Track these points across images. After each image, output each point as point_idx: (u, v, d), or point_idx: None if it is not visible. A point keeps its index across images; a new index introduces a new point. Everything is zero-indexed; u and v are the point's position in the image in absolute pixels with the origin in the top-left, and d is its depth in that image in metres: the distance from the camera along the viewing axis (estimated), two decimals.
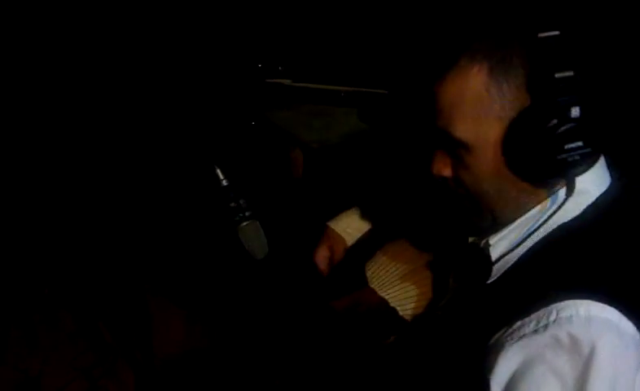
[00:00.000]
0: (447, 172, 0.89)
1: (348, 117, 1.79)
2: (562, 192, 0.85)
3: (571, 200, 0.83)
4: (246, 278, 1.40)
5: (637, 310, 0.75)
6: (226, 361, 1.31)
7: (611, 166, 0.90)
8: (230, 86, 1.60)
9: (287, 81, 1.82)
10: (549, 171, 0.81)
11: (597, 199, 0.86)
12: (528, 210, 0.86)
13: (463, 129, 0.83)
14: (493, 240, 0.88)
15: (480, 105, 0.81)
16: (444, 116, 0.84)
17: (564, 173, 0.81)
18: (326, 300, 1.17)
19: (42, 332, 1.86)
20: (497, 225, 0.88)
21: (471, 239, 0.92)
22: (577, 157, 0.79)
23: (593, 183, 0.86)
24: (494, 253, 0.88)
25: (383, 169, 1.45)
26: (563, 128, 0.77)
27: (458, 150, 0.85)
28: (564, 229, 0.84)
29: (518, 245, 0.86)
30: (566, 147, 0.78)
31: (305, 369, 1.17)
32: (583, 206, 0.85)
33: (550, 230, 0.84)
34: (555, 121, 0.77)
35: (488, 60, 0.80)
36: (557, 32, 0.77)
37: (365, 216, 1.30)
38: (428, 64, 0.89)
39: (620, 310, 0.74)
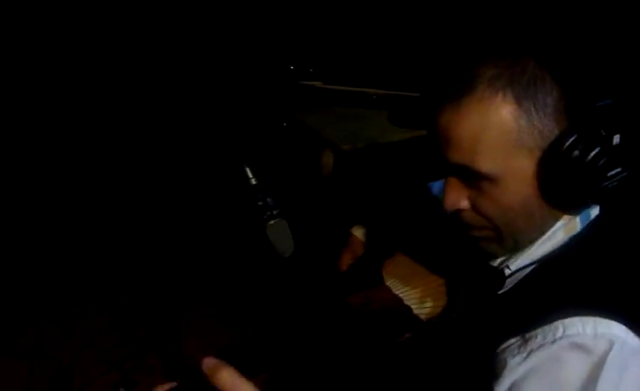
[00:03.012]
0: (464, 204, 0.81)
1: (379, 120, 1.79)
2: (594, 211, 0.82)
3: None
4: (272, 276, 1.42)
5: None
6: (253, 356, 1.32)
7: None
8: (262, 87, 1.62)
9: (319, 84, 1.83)
10: (589, 200, 0.77)
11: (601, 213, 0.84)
12: (549, 229, 0.82)
13: (489, 163, 0.75)
14: (512, 265, 0.84)
15: (509, 137, 0.74)
16: (463, 150, 0.76)
17: (606, 200, 0.77)
18: (341, 296, 1.17)
19: (78, 325, 1.92)
20: (516, 248, 0.84)
21: (490, 263, 0.90)
22: (616, 183, 0.75)
23: None
24: (509, 270, 0.86)
25: (406, 177, 1.45)
26: (605, 157, 0.73)
27: (480, 181, 0.78)
28: (573, 241, 0.82)
29: (533, 263, 0.83)
30: (608, 174, 0.74)
31: (318, 363, 1.17)
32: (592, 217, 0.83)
33: (563, 242, 0.82)
34: (598, 150, 0.73)
35: (512, 87, 0.73)
36: (590, 58, 0.74)
37: (387, 225, 1.29)
38: (437, 91, 0.79)
39: (628, 326, 0.72)
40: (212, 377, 0.58)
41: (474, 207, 0.81)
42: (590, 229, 0.82)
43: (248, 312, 1.68)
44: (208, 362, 0.59)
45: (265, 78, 1.64)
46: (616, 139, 0.74)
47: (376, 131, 1.77)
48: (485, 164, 0.75)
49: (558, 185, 0.76)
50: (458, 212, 0.82)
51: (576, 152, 0.74)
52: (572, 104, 0.74)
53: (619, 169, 0.75)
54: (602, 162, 0.74)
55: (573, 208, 0.80)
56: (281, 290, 1.52)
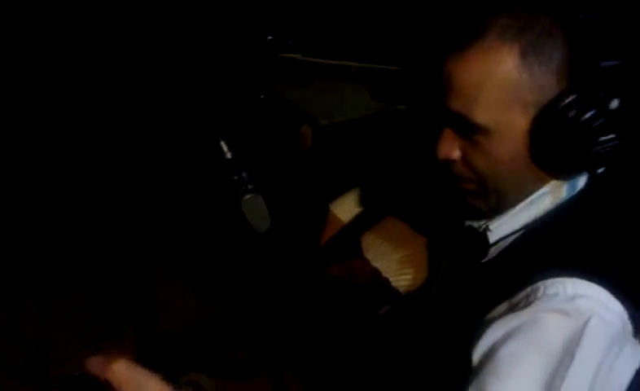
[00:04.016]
0: (455, 154, 0.83)
1: (359, 94, 1.77)
2: (581, 182, 0.82)
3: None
4: (248, 250, 1.41)
5: (627, 292, 0.74)
6: (229, 332, 1.32)
7: None
8: (238, 59, 1.59)
9: (299, 56, 1.81)
10: (579, 164, 0.78)
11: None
12: (532, 193, 0.83)
13: (485, 115, 0.76)
14: (493, 225, 0.85)
15: (509, 90, 0.75)
16: (462, 97, 0.77)
17: (595, 166, 0.78)
18: (320, 268, 1.17)
19: (54, 304, 1.90)
20: (500, 208, 0.85)
21: (468, 223, 0.90)
22: (608, 150, 0.75)
23: None
24: (492, 237, 0.85)
25: (386, 149, 1.44)
26: (600, 120, 0.73)
27: (474, 134, 0.79)
28: (558, 209, 0.82)
29: (516, 231, 0.83)
30: (600, 139, 0.74)
31: (298, 337, 1.17)
32: (581, 186, 0.84)
33: (548, 209, 0.83)
34: (594, 112, 0.73)
35: (519, 40, 0.74)
36: (600, 15, 0.73)
37: (366, 199, 1.28)
38: (445, 37, 0.80)
39: (608, 290, 0.73)
40: (104, 374, 0.57)
41: (464, 159, 0.82)
42: (576, 197, 0.82)
43: (226, 288, 1.67)
44: (93, 362, 0.58)
45: (241, 49, 1.61)
46: (615, 103, 0.73)
47: (356, 106, 1.75)
48: (480, 114, 0.76)
49: (548, 145, 0.76)
50: (449, 163, 0.83)
51: (571, 112, 0.74)
52: (575, 63, 0.74)
53: (612, 136, 0.75)
54: (595, 125, 0.74)
55: (560, 172, 0.80)
56: (258, 265, 1.51)
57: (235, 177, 1.10)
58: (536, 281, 0.74)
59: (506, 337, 0.72)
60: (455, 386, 0.74)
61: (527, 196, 0.83)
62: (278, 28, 1.70)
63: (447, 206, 0.95)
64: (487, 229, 0.86)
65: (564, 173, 0.81)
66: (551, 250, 0.79)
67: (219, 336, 1.29)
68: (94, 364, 0.58)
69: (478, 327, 0.77)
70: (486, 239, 0.85)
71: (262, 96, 1.53)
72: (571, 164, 0.78)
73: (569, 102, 0.74)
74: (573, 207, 0.82)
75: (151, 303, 1.80)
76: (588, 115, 0.73)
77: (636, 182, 0.86)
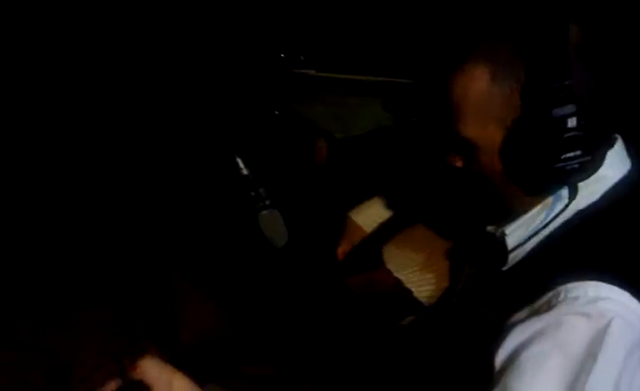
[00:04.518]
0: (459, 163, 0.88)
1: (373, 107, 1.78)
2: (564, 192, 0.83)
3: (588, 187, 0.82)
4: (267, 265, 1.42)
5: None
6: (249, 346, 1.33)
7: (631, 148, 0.89)
8: (252, 76, 1.61)
9: (312, 72, 1.83)
10: (545, 180, 0.80)
11: (615, 184, 0.84)
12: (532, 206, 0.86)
13: (467, 129, 0.83)
14: (508, 230, 0.87)
15: (483, 107, 0.81)
16: (451, 115, 0.84)
17: (562, 181, 0.80)
18: (341, 279, 1.18)
19: (75, 319, 1.92)
20: (512, 213, 0.87)
21: (488, 229, 0.92)
22: (576, 166, 0.77)
23: (611, 168, 0.85)
24: (510, 242, 0.87)
25: (403, 158, 1.45)
26: (558, 138, 0.76)
27: (466, 148, 0.85)
28: (580, 215, 0.83)
29: (531, 236, 0.84)
30: (563, 157, 0.77)
31: (320, 348, 1.18)
32: (601, 192, 0.84)
33: (567, 217, 0.83)
34: (550, 131, 0.76)
35: (491, 63, 0.80)
36: (553, 38, 0.77)
37: (385, 206, 1.30)
38: (435, 65, 0.89)
39: (630, 292, 0.73)
40: (134, 376, 0.59)
41: (467, 169, 0.88)
42: (598, 199, 0.84)
43: (246, 301, 1.68)
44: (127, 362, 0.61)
45: (255, 66, 1.63)
46: (572, 122, 0.76)
47: (370, 119, 1.76)
48: (463, 129, 0.83)
49: (513, 161, 0.82)
50: (456, 171, 0.89)
51: (529, 132, 0.79)
52: (529, 84, 0.78)
53: (577, 152, 0.77)
54: (550, 146, 0.77)
55: (525, 189, 0.84)
56: (278, 278, 1.52)
57: (252, 194, 1.11)
58: (557, 285, 0.75)
59: (529, 341, 0.73)
60: None
61: (538, 199, 0.85)
62: (291, 45, 1.72)
63: (465, 211, 0.98)
64: (503, 233, 0.87)
65: (529, 189, 0.84)
66: (571, 254, 0.80)
67: (240, 349, 1.31)
68: (127, 366, 0.61)
69: (499, 333, 0.77)
70: (504, 245, 0.87)
71: (277, 112, 1.55)
72: (534, 181, 0.82)
73: (526, 121, 0.79)
74: (593, 211, 0.83)
75: (172, 317, 1.81)
76: (545, 134, 0.77)
77: None
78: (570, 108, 0.76)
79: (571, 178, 0.79)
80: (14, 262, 2.02)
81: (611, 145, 0.86)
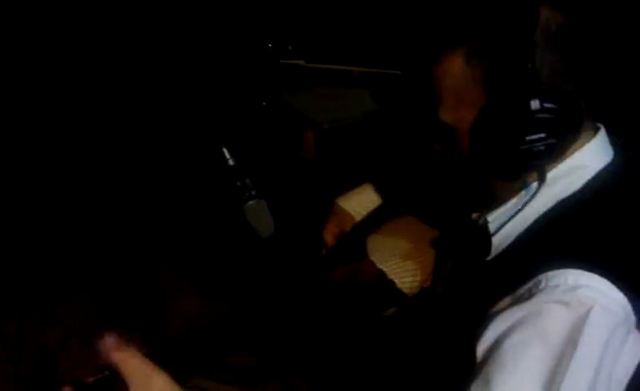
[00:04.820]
0: (441, 149, 0.90)
1: (361, 98, 1.78)
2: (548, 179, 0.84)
3: (570, 176, 0.83)
4: (253, 256, 1.42)
5: (629, 282, 0.74)
6: (234, 337, 1.33)
7: (615, 138, 0.89)
8: (240, 66, 1.61)
9: (301, 62, 1.82)
10: (512, 163, 0.81)
11: (597, 174, 0.85)
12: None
13: (446, 113, 0.86)
14: (491, 217, 0.88)
15: (459, 91, 0.84)
16: (431, 101, 0.87)
17: (528, 164, 0.81)
18: (325, 271, 1.18)
19: (60, 310, 1.91)
20: (495, 200, 0.88)
21: (473, 216, 0.92)
22: (542, 148, 0.78)
23: (592, 158, 0.85)
24: (492, 227, 0.88)
25: (390, 148, 1.45)
26: (522, 120, 0.77)
27: (447, 132, 0.86)
28: (561, 204, 0.84)
29: (508, 221, 0.86)
30: (528, 138, 0.78)
31: (304, 341, 1.18)
32: (583, 181, 0.84)
33: (549, 206, 0.84)
34: (514, 114, 0.78)
35: (465, 48, 0.83)
36: (518, 22, 0.78)
37: (373, 193, 1.30)
38: (417, 55, 0.94)
39: (610, 280, 0.74)
40: (115, 361, 0.59)
41: (447, 153, 0.90)
42: (576, 190, 0.84)
43: (231, 292, 1.68)
44: (107, 343, 0.61)
45: (243, 56, 1.62)
46: (535, 104, 0.76)
47: (358, 110, 1.76)
48: (441, 112, 0.86)
49: (480, 144, 0.83)
50: (439, 155, 0.91)
51: (492, 117, 0.80)
52: (493, 68, 0.80)
53: (541, 135, 0.78)
54: (514, 128, 0.78)
55: (491, 172, 0.85)
56: (264, 269, 1.52)
57: (238, 184, 1.11)
58: (538, 274, 0.76)
59: (510, 330, 0.74)
60: (461, 384, 0.75)
61: (519, 186, 0.86)
62: (279, 35, 1.71)
63: (451, 200, 0.99)
64: (486, 220, 0.88)
65: (498, 173, 0.85)
66: (552, 243, 0.80)
67: (226, 340, 1.31)
68: (107, 347, 0.60)
69: (481, 322, 0.78)
70: (487, 231, 0.88)
71: (264, 103, 1.54)
72: (502, 164, 0.82)
73: (492, 105, 0.80)
74: (574, 200, 0.84)
75: (158, 308, 1.81)
76: (508, 117, 0.78)
77: (636, 176, 0.87)
78: (532, 91, 0.77)
79: (536, 161, 0.80)
80: None
81: (593, 134, 0.86)
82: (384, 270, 1.11)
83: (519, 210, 0.85)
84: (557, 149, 0.80)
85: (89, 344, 1.77)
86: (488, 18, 0.83)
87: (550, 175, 0.84)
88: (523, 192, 0.86)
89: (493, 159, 0.83)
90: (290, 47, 1.73)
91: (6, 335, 1.84)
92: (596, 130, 0.88)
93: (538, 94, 0.77)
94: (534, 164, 0.81)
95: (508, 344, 0.72)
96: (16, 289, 1.95)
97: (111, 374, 0.62)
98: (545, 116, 0.77)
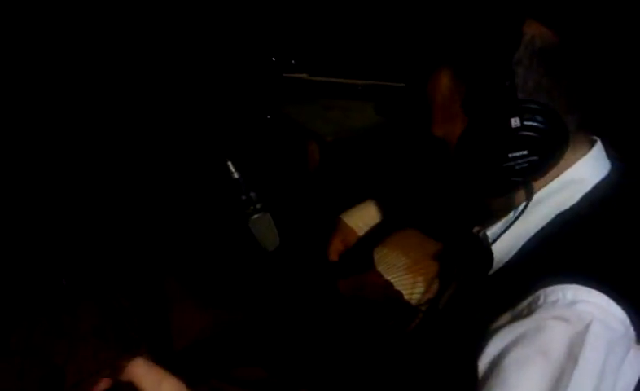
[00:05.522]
0: (439, 163, 0.91)
1: (364, 110, 1.79)
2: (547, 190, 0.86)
3: (566, 190, 0.84)
4: (258, 269, 1.42)
5: (628, 297, 0.75)
6: (241, 349, 1.33)
7: (613, 152, 0.89)
8: (244, 80, 1.62)
9: (304, 75, 1.83)
10: (496, 179, 0.82)
11: (594, 187, 0.85)
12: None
13: (436, 127, 0.88)
14: (490, 231, 0.89)
15: (446, 106, 0.86)
16: (426, 114, 0.89)
17: (511, 181, 0.82)
18: (332, 282, 1.19)
19: (67, 323, 1.91)
20: (494, 215, 0.89)
21: (474, 230, 0.93)
22: (525, 165, 0.79)
23: (588, 171, 0.86)
24: (491, 241, 0.88)
25: (395, 162, 1.46)
26: (502, 138, 0.78)
27: (439, 145, 0.88)
28: (558, 219, 0.84)
29: (503, 233, 0.86)
30: (510, 155, 0.78)
31: (311, 351, 1.18)
32: (580, 195, 0.85)
33: (548, 220, 0.84)
34: (494, 131, 0.78)
35: (453, 63, 0.85)
36: (500, 39, 0.79)
37: (377, 210, 1.31)
38: (415, 68, 0.98)
39: (609, 295, 0.74)
40: (124, 377, 0.61)
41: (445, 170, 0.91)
42: (577, 202, 0.85)
43: (238, 304, 1.68)
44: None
45: (246, 70, 1.63)
46: (515, 122, 0.77)
47: (361, 122, 1.77)
48: (434, 127, 0.88)
49: (465, 160, 0.83)
50: (438, 170, 0.96)
51: (472, 137, 0.81)
52: (472, 88, 0.82)
53: (523, 152, 0.78)
54: (495, 145, 0.79)
55: (476, 189, 0.87)
56: (270, 282, 1.52)
57: (243, 197, 1.12)
58: (537, 289, 0.76)
59: (511, 346, 0.74)
60: None
61: (513, 202, 0.87)
62: (282, 49, 1.73)
63: (453, 214, 1.00)
64: (485, 234, 0.89)
65: (482, 189, 0.86)
66: (550, 258, 0.80)
67: (233, 351, 1.31)
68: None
69: (483, 337, 0.78)
70: (487, 245, 0.88)
71: (268, 116, 1.55)
72: (484, 180, 0.83)
73: (476, 121, 0.81)
74: (571, 214, 0.84)
75: (165, 321, 1.82)
76: (490, 134, 0.79)
77: (633, 189, 0.87)
78: (511, 108, 0.77)
79: (520, 178, 0.81)
80: (6, 267, 2.02)
81: (589, 148, 0.87)
82: (391, 281, 1.11)
83: (510, 225, 0.85)
84: (543, 165, 0.81)
85: (95, 358, 1.78)
86: (471, 36, 0.84)
87: (545, 190, 0.84)
88: (521, 207, 0.85)
89: (478, 175, 0.83)
90: (293, 61, 1.75)
91: (12, 348, 1.84)
92: (592, 143, 0.88)
93: (518, 111, 0.77)
94: (518, 181, 0.81)
95: (509, 360, 0.73)
96: (24, 303, 1.96)
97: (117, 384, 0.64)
98: (526, 133, 0.77)
